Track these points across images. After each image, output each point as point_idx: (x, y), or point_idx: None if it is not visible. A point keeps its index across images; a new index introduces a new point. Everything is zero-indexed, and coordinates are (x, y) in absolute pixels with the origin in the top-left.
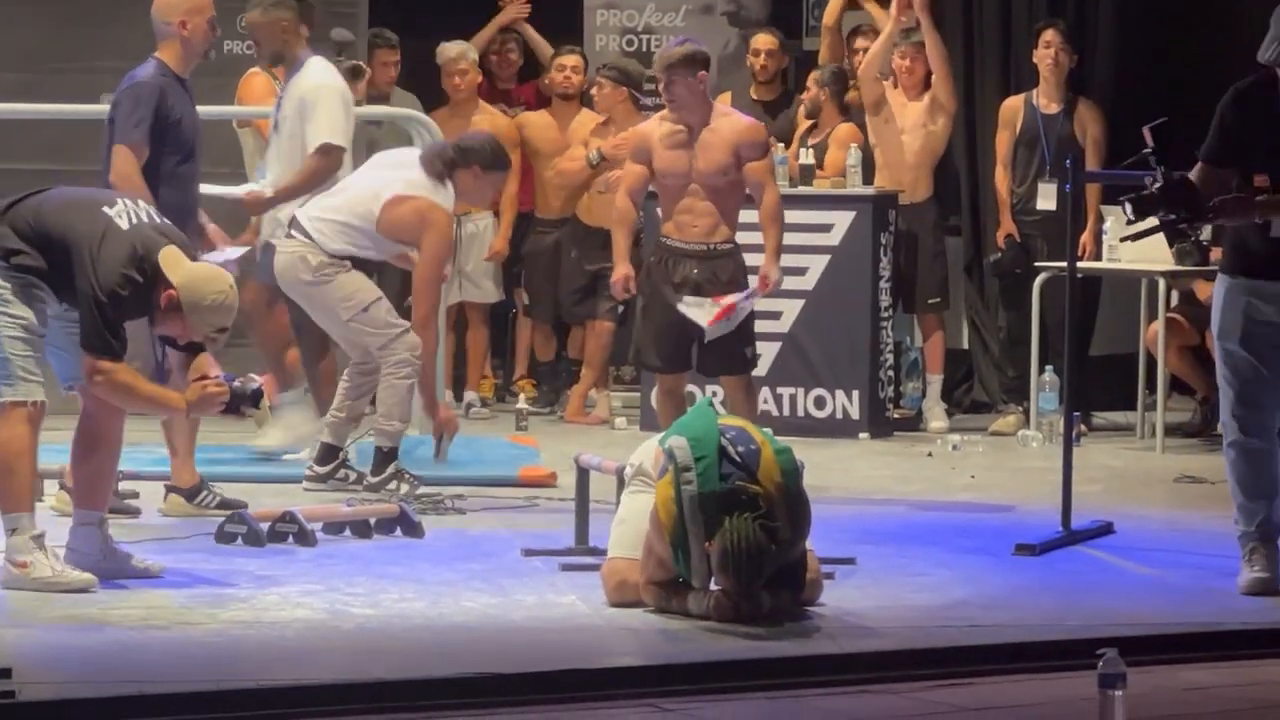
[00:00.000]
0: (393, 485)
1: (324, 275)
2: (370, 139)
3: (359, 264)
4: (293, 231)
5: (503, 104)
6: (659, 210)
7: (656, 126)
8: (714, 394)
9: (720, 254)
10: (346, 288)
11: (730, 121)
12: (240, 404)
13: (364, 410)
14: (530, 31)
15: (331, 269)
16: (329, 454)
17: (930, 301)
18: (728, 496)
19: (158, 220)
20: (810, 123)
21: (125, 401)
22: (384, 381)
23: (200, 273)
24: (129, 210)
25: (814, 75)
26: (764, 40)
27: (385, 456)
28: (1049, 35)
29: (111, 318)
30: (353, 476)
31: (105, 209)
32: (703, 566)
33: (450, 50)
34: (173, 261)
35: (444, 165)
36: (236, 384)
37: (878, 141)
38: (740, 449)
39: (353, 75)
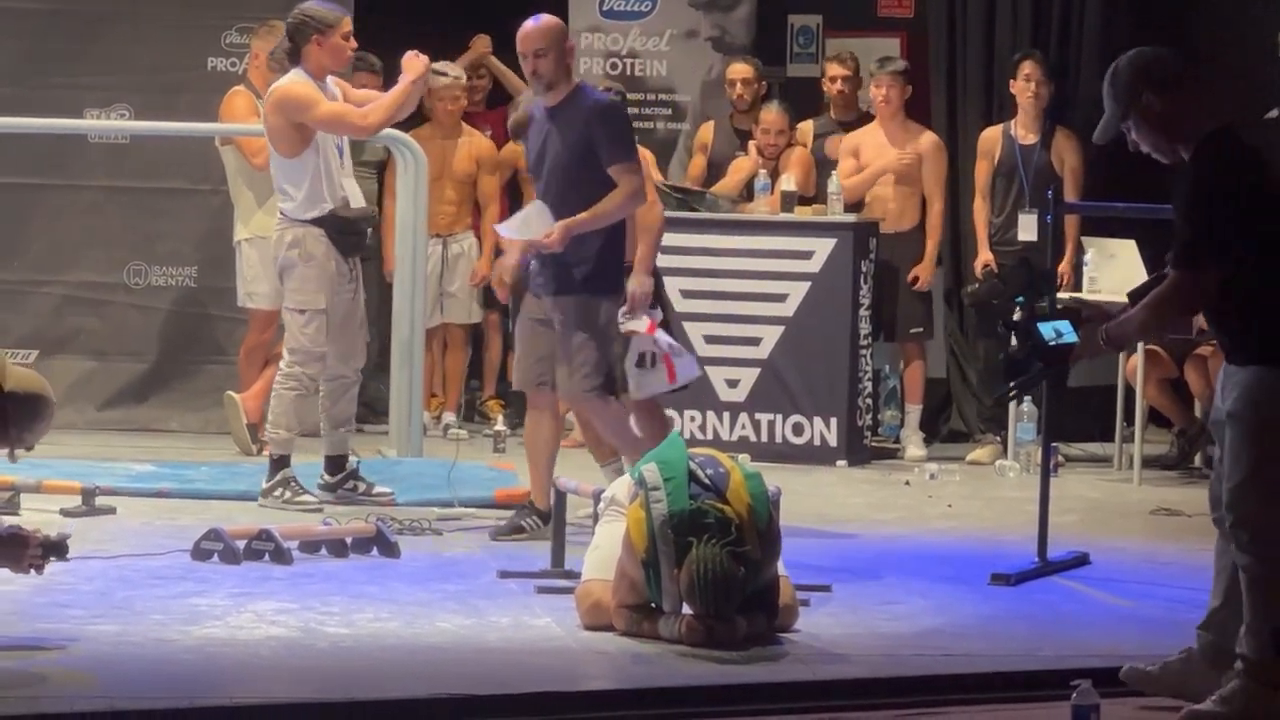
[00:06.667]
0: (277, 492)
1: (295, 249)
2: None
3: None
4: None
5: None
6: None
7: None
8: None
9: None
10: (308, 283)
11: None
12: (50, 554)
13: (350, 414)
14: (497, 65)
15: (299, 245)
16: (335, 464)
17: (913, 331)
18: (697, 516)
19: None
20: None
21: None
22: (274, 389)
23: (30, 380)
24: None
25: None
26: (738, 70)
27: (275, 464)
28: (1027, 67)
29: None
30: (361, 488)
31: None
32: (673, 588)
33: (443, 77)
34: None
35: (286, 57)
36: (41, 535)
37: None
38: (709, 471)
39: None
